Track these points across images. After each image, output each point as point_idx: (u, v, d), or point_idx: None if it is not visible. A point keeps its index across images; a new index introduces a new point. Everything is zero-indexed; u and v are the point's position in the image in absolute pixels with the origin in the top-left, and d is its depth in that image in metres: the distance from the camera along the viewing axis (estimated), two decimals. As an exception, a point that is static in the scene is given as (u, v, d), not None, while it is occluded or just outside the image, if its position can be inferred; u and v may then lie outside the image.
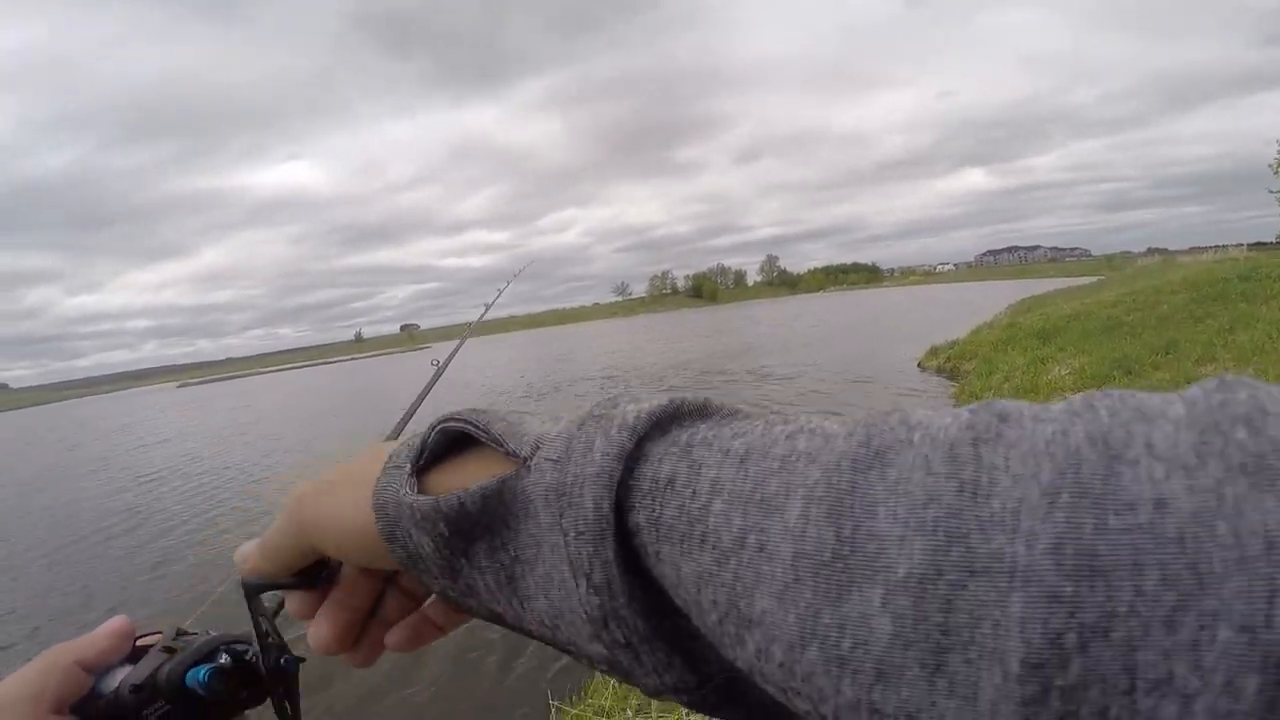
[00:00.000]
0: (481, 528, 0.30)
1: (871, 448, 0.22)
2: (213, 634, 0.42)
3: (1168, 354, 7.52)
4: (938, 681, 0.18)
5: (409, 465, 0.33)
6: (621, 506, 0.27)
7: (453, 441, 0.34)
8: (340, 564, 0.38)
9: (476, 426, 0.32)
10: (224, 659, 0.40)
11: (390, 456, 0.34)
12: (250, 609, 0.40)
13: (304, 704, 0.42)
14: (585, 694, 3.10)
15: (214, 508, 9.23)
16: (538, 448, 0.29)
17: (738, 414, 0.29)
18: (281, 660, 0.41)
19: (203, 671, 0.39)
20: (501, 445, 0.31)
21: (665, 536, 0.25)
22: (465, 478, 0.32)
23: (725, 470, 0.25)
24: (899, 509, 0.20)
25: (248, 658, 0.40)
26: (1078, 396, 0.22)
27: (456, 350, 1.31)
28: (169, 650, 0.40)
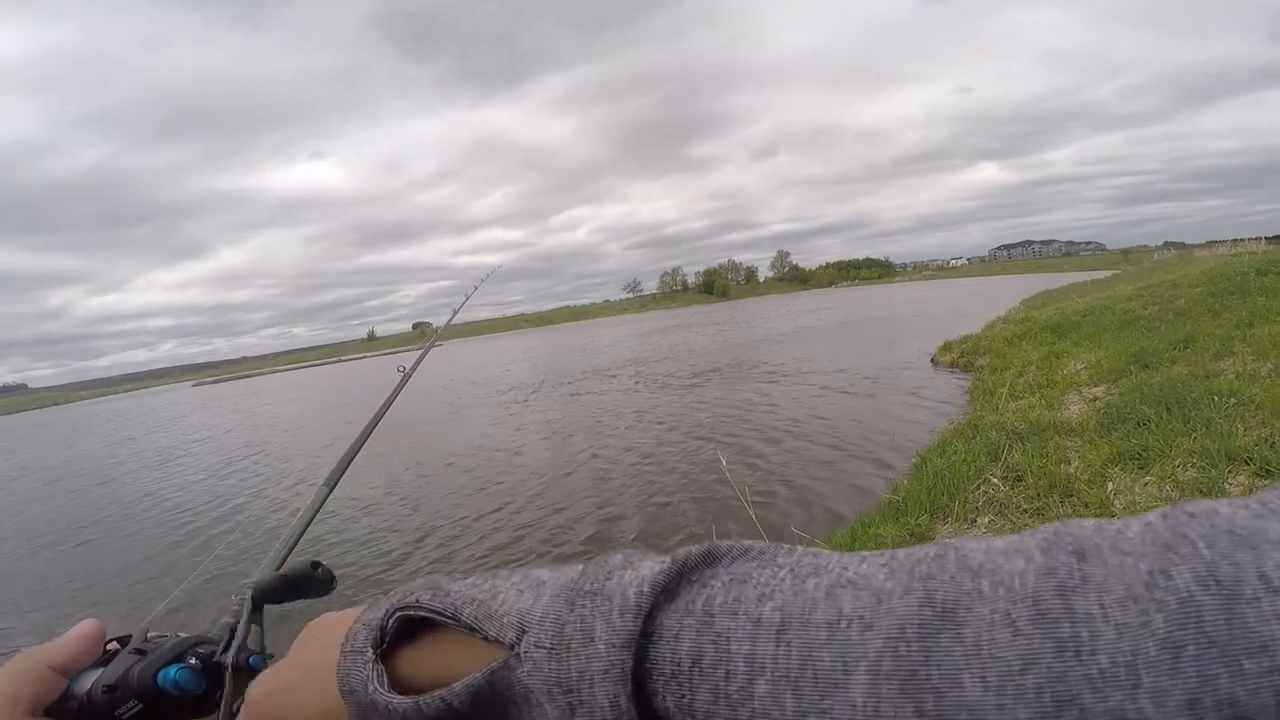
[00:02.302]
0: None
1: (937, 606, 0.20)
2: (182, 635, 0.42)
3: (1185, 348, 7.41)
4: None
5: (371, 651, 0.30)
6: (640, 688, 0.24)
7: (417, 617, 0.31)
8: None
9: (442, 614, 0.29)
10: (194, 659, 0.40)
11: (347, 638, 0.31)
12: (250, 616, 0.41)
13: None
14: None
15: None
16: (523, 631, 0.26)
17: (748, 554, 0.26)
18: (249, 659, 0.41)
19: (174, 671, 0.39)
20: (478, 632, 0.28)
21: None
22: (439, 661, 0.29)
23: (761, 645, 0.22)
24: (990, 676, 0.18)
25: (216, 658, 0.41)
26: (1156, 516, 0.20)
27: (420, 361, 1.29)
28: (140, 652, 0.40)
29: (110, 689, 0.39)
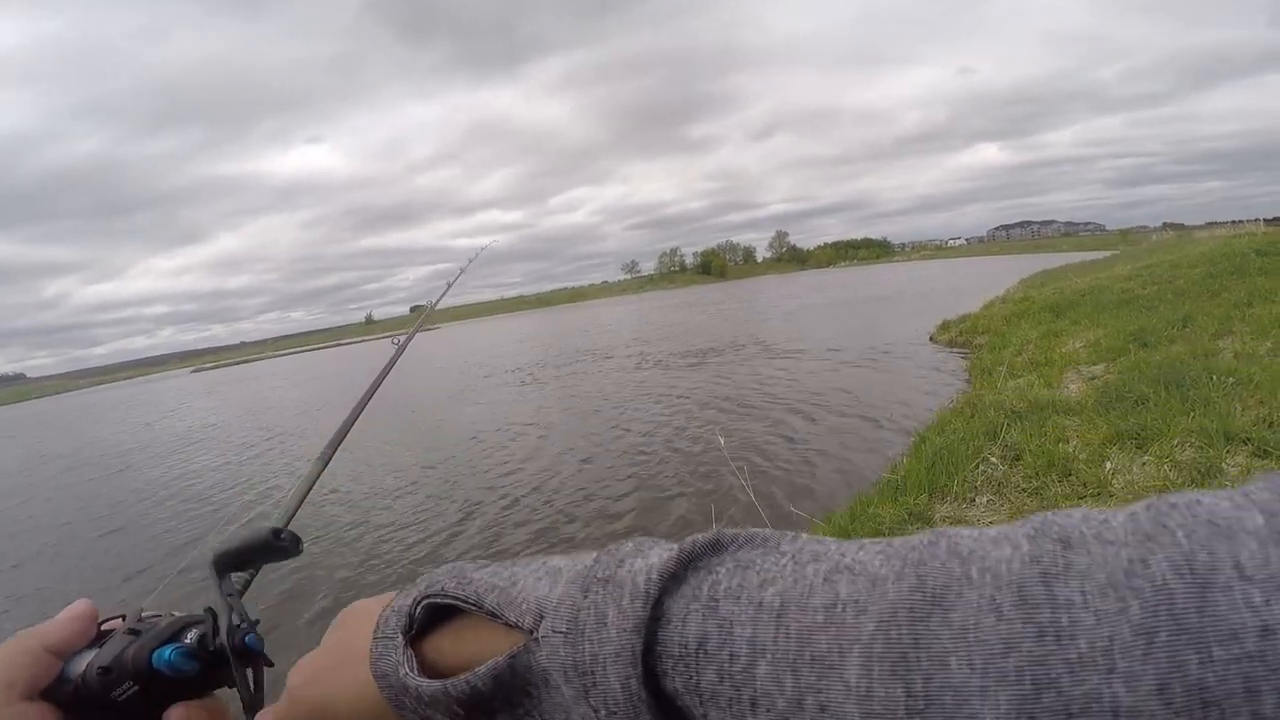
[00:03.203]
0: (500, 701, 0.29)
1: (927, 591, 0.21)
2: (176, 615, 0.41)
3: (1184, 327, 7.42)
4: None
5: (400, 636, 0.32)
6: (651, 670, 0.25)
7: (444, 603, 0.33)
8: None
9: (467, 602, 0.31)
10: (189, 639, 0.40)
11: (378, 625, 0.33)
12: (218, 586, 0.40)
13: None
14: None
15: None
16: (541, 617, 0.28)
17: (753, 542, 0.28)
18: (245, 639, 0.41)
19: (169, 652, 0.39)
20: (500, 618, 0.30)
21: (710, 702, 0.24)
22: (465, 647, 0.31)
23: (762, 628, 0.23)
24: (974, 658, 0.19)
25: (212, 639, 0.40)
26: (1140, 507, 0.21)
27: (413, 334, 1.28)
28: (134, 632, 0.40)
29: (105, 670, 0.38)
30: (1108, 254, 35.49)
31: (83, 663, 0.39)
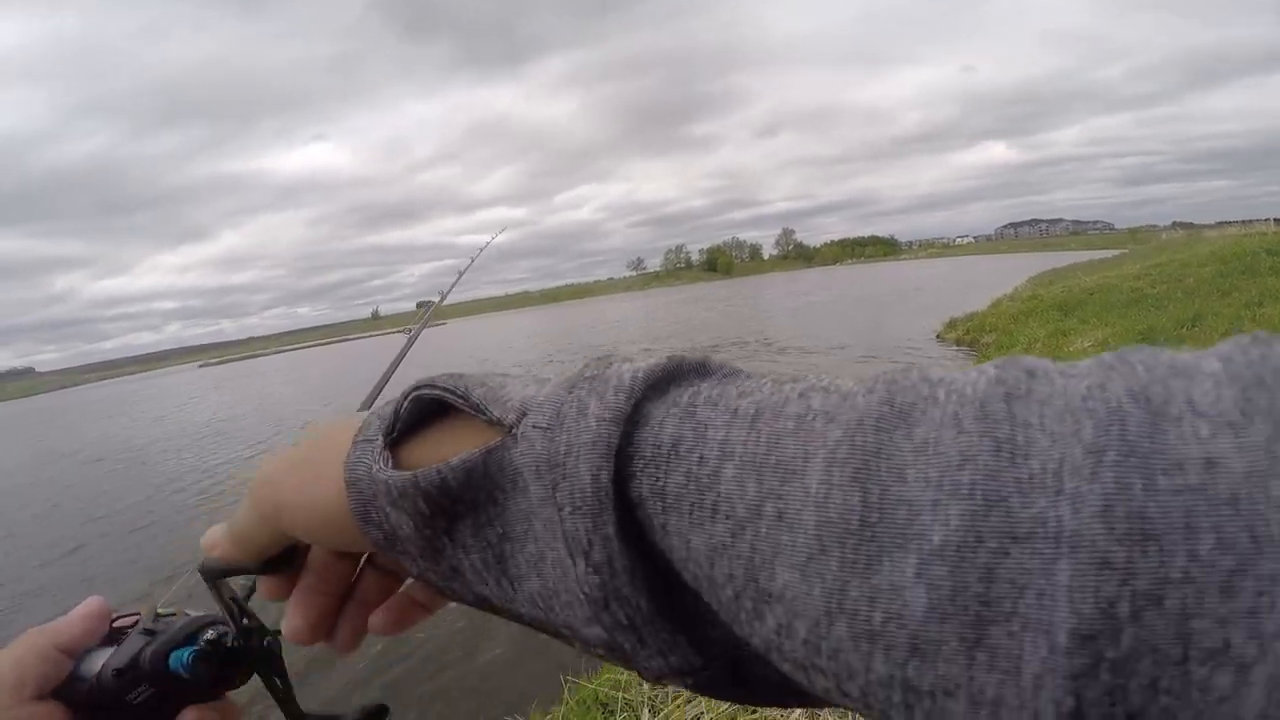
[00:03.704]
0: (465, 504, 0.28)
1: (895, 405, 0.21)
2: (192, 615, 0.41)
3: (1194, 326, 7.38)
4: (978, 655, 0.17)
5: (381, 438, 0.30)
6: (621, 476, 0.24)
7: (429, 410, 0.31)
8: (310, 546, 0.36)
9: (454, 393, 0.29)
10: (206, 641, 0.39)
11: (360, 429, 0.31)
12: (215, 594, 0.39)
13: (297, 679, 0.42)
14: (603, 666, 3.12)
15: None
16: (524, 414, 0.27)
17: (740, 372, 0.27)
18: (264, 641, 0.40)
19: (185, 654, 0.38)
20: (482, 413, 0.28)
21: (672, 507, 0.23)
22: (444, 449, 0.29)
23: (735, 431, 0.23)
24: (930, 471, 0.19)
25: (229, 640, 0.40)
26: (1107, 353, 0.20)
27: (427, 319, 1.27)
28: (149, 633, 0.39)
29: (120, 672, 0.38)
30: (1116, 253, 35.28)
31: (96, 662, 0.38)
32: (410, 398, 0.31)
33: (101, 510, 9.13)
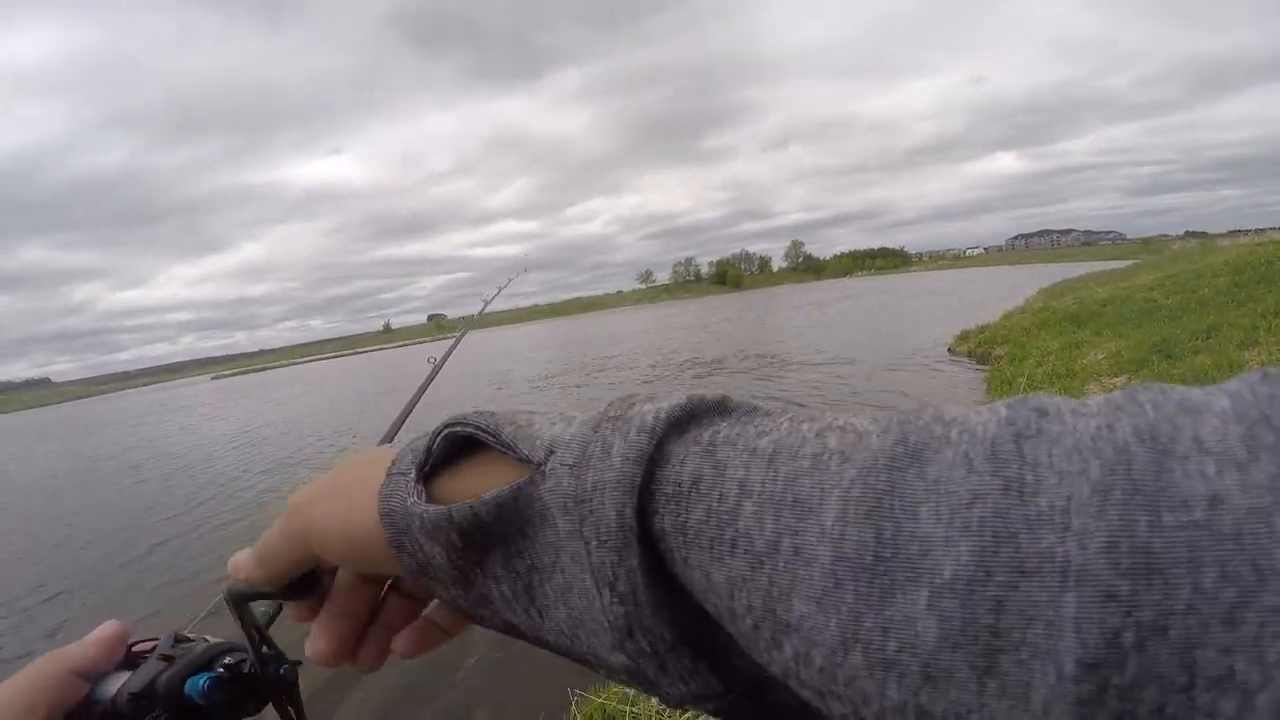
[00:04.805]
0: (496, 537, 0.29)
1: (909, 445, 0.22)
2: (211, 641, 0.41)
3: (1208, 338, 7.29)
4: (988, 683, 0.18)
5: (414, 471, 0.32)
6: (644, 511, 0.26)
7: (459, 444, 0.33)
8: (334, 571, 0.37)
9: (485, 431, 0.31)
10: (223, 668, 0.39)
11: (394, 461, 0.33)
12: (239, 619, 0.39)
13: (321, 703, 0.41)
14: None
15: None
16: (551, 452, 0.28)
17: (758, 410, 0.28)
18: (280, 669, 0.40)
19: (202, 680, 0.38)
20: (513, 451, 0.30)
21: (693, 541, 0.24)
22: (475, 484, 0.31)
23: (753, 470, 0.24)
24: (942, 509, 0.20)
25: (246, 667, 0.39)
26: (1117, 391, 0.21)
27: (453, 349, 1.25)
28: (167, 658, 0.39)
29: (136, 697, 0.37)
30: (1128, 263, 35.06)
31: (113, 686, 0.38)
32: (443, 435, 0.32)
33: (122, 521, 9.16)
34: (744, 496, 0.23)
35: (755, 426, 0.26)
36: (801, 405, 9.11)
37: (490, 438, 0.31)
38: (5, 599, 6.35)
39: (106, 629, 0.40)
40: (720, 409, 0.28)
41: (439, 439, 0.32)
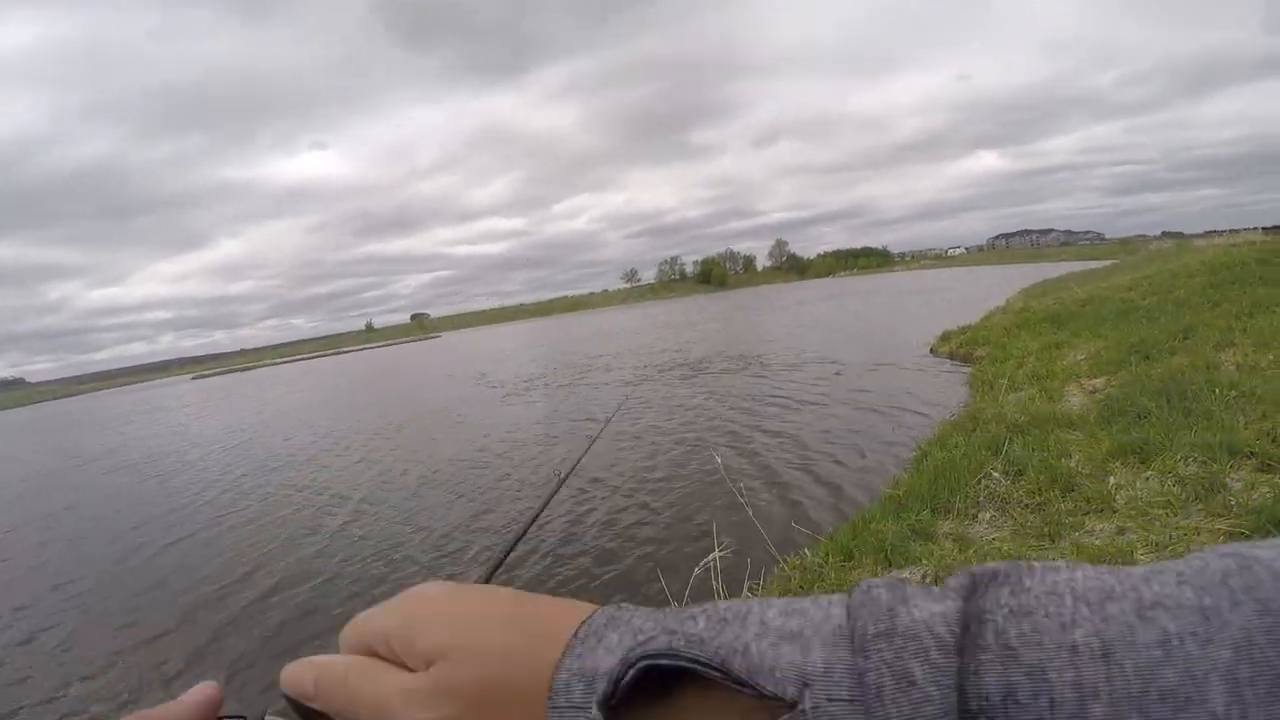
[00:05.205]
0: None
1: (1276, 616, 0.20)
2: None
3: (1185, 339, 7.39)
4: None
5: (594, 709, 0.25)
6: None
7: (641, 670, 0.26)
8: None
9: (709, 666, 0.25)
10: None
11: (554, 689, 0.26)
12: None
13: None
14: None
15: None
16: (805, 685, 0.23)
17: (996, 579, 0.25)
18: None
19: None
20: (751, 687, 0.24)
21: None
22: None
23: (1087, 671, 0.21)
24: None
25: None
26: None
27: (578, 462, 1.17)
28: None
29: None
30: (1107, 263, 35.51)
31: None
32: (636, 667, 0.26)
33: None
34: (1086, 699, 0.21)
35: (1046, 616, 0.23)
36: (825, 432, 9.09)
37: (714, 672, 0.25)
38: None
39: (206, 689, 0.38)
40: (969, 591, 0.25)
41: (631, 672, 0.25)
